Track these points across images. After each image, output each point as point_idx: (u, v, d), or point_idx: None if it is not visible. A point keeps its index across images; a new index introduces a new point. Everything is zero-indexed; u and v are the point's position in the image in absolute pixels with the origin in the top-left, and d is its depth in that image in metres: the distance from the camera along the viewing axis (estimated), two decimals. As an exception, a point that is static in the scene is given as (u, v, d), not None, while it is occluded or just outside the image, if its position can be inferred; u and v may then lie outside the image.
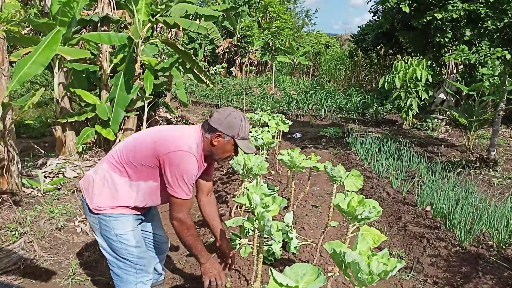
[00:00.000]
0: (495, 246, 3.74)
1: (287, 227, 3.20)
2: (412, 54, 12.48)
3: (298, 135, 9.82)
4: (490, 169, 6.41)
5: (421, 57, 10.90)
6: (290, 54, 19.77)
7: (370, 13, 15.85)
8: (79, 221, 4.10)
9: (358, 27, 18.93)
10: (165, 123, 9.07)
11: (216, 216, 2.63)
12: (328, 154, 7.84)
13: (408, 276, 3.47)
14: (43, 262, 3.31)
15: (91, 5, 6.98)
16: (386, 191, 5.42)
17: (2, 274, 3.07)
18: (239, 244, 3.43)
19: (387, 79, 10.08)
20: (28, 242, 3.45)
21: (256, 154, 4.78)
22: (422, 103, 10.18)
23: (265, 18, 21.01)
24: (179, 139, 2.17)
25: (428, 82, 9.82)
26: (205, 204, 2.62)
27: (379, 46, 16.78)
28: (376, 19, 15.82)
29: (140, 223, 2.45)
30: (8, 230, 3.58)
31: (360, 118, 12.17)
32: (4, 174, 4.15)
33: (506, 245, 3.70)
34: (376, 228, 4.28)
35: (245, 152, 2.25)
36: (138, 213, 2.34)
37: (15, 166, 4.26)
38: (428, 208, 4.66)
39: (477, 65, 9.06)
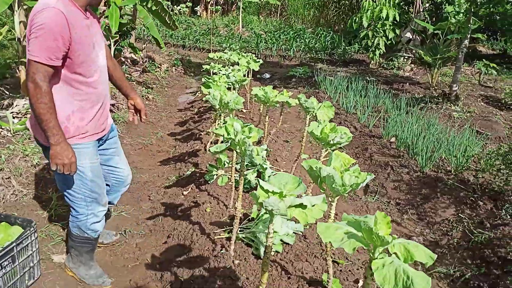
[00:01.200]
0: (452, 170, 4.05)
1: (265, 151, 3.38)
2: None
3: (268, 76, 9.85)
4: (452, 104, 6.74)
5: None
6: (257, -8, 19.21)
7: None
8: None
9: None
10: (130, 64, 8.86)
11: (124, 78, 2.52)
12: (297, 93, 7.95)
13: (373, 199, 3.76)
14: (23, 197, 3.36)
15: None
16: (354, 126, 5.66)
17: (-17, 209, 3.11)
18: (216, 174, 3.58)
19: (355, 19, 10.10)
20: (6, 178, 3.47)
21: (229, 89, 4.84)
22: (389, 42, 10.31)
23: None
24: (35, 7, 1.89)
25: (395, 21, 9.90)
26: (111, 69, 2.41)
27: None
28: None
29: (108, 152, 2.42)
30: (-17, 168, 3.57)
31: (328, 58, 12.24)
32: (-28, 113, 4.05)
33: (463, 169, 4.02)
34: (344, 159, 4.55)
35: None
36: (96, 135, 2.21)
37: (-18, 105, 4.16)
38: (393, 139, 4.93)
39: (444, 2, 9.17)
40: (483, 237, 3.02)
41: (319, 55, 12.48)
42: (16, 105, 5.34)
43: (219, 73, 5.43)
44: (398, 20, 9.88)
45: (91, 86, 2.11)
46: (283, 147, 4.90)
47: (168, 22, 8.09)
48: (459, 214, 3.42)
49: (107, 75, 2.31)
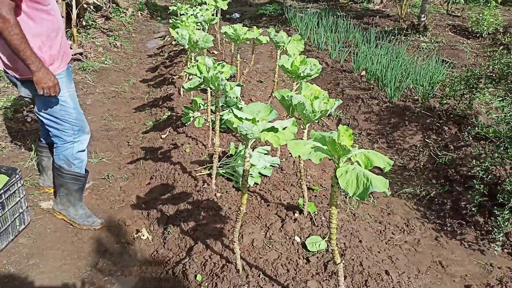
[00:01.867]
0: (420, 99, 4.22)
1: (235, 99, 3.44)
2: None
3: (237, 15, 9.65)
4: (420, 35, 6.83)
5: None
6: None
7: None
8: (28, 111, 4.08)
9: None
10: (93, 11, 8.52)
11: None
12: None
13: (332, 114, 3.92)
14: (1, 150, 3.38)
15: None
16: (325, 62, 5.72)
17: (-37, 163, 3.13)
18: (193, 117, 3.64)
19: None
20: (-19, 133, 3.46)
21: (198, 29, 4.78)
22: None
23: None
24: None
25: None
26: None
27: None
28: None
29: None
30: (-44, 124, 3.54)
31: (298, -6, 12.00)
32: None
33: (430, 97, 4.19)
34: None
35: None
36: (65, 61, 2.31)
37: None
38: (363, 73, 5.04)
39: None
40: (447, 158, 3.24)
41: (289, -9, 12.20)
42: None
43: (187, 13, 5.32)
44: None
45: (50, 13, 2.17)
46: (257, 87, 4.96)
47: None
48: (426, 140, 3.62)
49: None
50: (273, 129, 1.49)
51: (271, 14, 9.36)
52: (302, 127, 2.01)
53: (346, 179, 1.15)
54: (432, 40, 6.65)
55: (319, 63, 5.60)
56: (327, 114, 1.88)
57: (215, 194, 2.56)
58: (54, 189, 2.80)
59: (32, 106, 4.16)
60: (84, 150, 2.49)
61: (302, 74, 2.56)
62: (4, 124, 3.75)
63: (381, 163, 1.20)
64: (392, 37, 6.56)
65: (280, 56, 3.09)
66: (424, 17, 7.02)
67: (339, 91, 4.76)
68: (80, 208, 2.58)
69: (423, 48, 6.27)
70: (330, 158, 1.27)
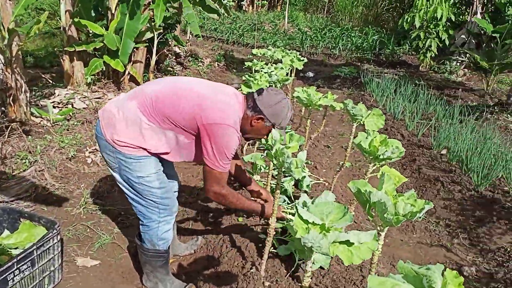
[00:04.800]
0: (511, 191, 3.66)
1: (303, 152, 3.14)
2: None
3: (311, 74, 9.55)
4: (509, 115, 6.22)
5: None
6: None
7: None
8: (90, 152, 4.06)
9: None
10: (174, 57, 8.83)
11: (245, 173, 2.62)
12: (342, 95, 7.64)
13: (420, 218, 3.44)
14: (54, 191, 3.30)
15: None
16: (401, 133, 5.30)
17: (14, 200, 3.07)
18: (251, 180, 3.38)
19: (407, 18, 9.59)
20: (39, 171, 3.42)
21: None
22: (441, 44, 9.74)
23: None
24: (224, 111, 2.03)
25: (450, 22, 9.32)
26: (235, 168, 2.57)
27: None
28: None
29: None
30: (18, 159, 3.55)
31: (375, 58, 11.78)
32: (12, 103, 4.07)
33: (524, 191, 3.63)
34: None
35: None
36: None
37: (23, 95, 4.17)
38: (444, 151, 4.56)
39: (507, 5, 8.51)
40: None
41: (366, 54, 12.03)
42: (57, 95, 5.37)
43: (261, 71, 5.23)
44: (453, 21, 9.29)
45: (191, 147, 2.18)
46: (324, 153, 4.64)
47: (218, 7, 7.87)
48: (518, 242, 3.05)
49: None
50: (347, 242, 1.16)
51: (346, 76, 9.15)
52: (379, 228, 1.64)
53: None
54: (524, 122, 6.01)
55: (395, 134, 5.22)
56: (413, 219, 1.51)
57: (263, 283, 2.21)
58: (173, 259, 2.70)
59: (94, 147, 4.16)
60: (169, 230, 2.27)
61: (381, 157, 2.21)
62: (63, 163, 3.72)
63: None
64: (478, 113, 6.02)
65: (355, 131, 2.78)
66: (515, 96, 6.43)
67: (415, 169, 4.30)
68: (169, 283, 2.36)
69: (511, 130, 5.66)
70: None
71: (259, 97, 2.11)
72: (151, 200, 2.15)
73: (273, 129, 2.07)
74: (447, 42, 9.54)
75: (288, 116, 2.15)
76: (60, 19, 5.73)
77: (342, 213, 1.29)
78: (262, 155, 2.06)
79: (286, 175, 3.44)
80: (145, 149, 2.05)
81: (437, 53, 9.71)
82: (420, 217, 3.45)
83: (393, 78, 7.96)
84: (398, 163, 4.53)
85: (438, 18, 9.15)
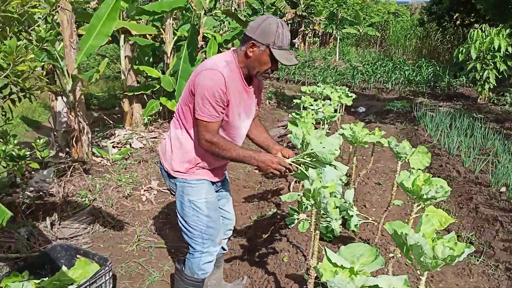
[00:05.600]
0: None
1: (346, 204, 3.10)
2: (491, 22, 11.44)
3: (363, 109, 9.47)
4: None
5: (500, 25, 9.95)
6: (356, 25, 18.98)
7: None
8: (145, 190, 4.27)
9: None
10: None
11: (268, 139, 2.42)
12: (394, 129, 7.49)
13: (478, 260, 3.25)
14: (110, 228, 3.49)
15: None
16: (457, 170, 5.08)
17: (73, 238, 3.28)
18: (297, 219, 3.38)
19: (462, 50, 9.34)
20: (97, 209, 3.65)
21: (316, 128, 4.65)
22: (500, 75, 9.33)
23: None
24: (206, 62, 2.09)
25: (508, 53, 8.96)
26: (252, 128, 2.40)
27: (454, 15, 15.58)
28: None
29: (217, 194, 2.41)
30: (79, 197, 3.81)
31: (430, 91, 11.47)
32: (75, 144, 4.39)
33: None
34: (444, 208, 4.05)
35: (282, 64, 2.01)
36: (214, 178, 2.30)
37: (85, 136, 4.50)
38: (503, 189, 4.31)
39: None
40: None
41: (420, 88, 11.75)
42: (117, 135, 5.73)
43: (309, 108, 5.29)
44: (510, 52, 8.92)
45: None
46: (374, 190, 4.54)
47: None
48: None
49: (242, 140, 2.35)
50: (376, 288, 1.15)
51: (399, 111, 8.98)
52: (418, 272, 1.60)
53: None
54: None
55: (450, 171, 5.02)
56: (453, 263, 1.47)
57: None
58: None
59: (149, 186, 4.37)
60: (211, 261, 2.33)
61: (425, 196, 2.17)
62: (120, 201, 3.94)
63: None
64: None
65: (400, 169, 2.73)
66: None
67: (472, 208, 4.08)
68: None
69: None
70: None
71: (247, 27, 2.07)
72: (197, 228, 2.22)
73: (273, 51, 1.99)
74: (505, 74, 9.14)
75: (281, 33, 1.98)
76: (120, 64, 6.20)
77: (374, 256, 1.29)
78: (299, 194, 2.08)
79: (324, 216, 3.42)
80: (195, 166, 2.18)
81: (495, 85, 9.31)
82: (463, 260, 3.26)
83: (448, 112, 7.71)
84: (454, 202, 4.33)
85: (495, 49, 8.83)
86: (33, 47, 2.47)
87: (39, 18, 2.80)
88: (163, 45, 6.56)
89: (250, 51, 2.03)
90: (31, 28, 2.95)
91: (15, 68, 2.26)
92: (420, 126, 7.35)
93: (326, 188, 1.98)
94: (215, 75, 1.97)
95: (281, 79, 13.48)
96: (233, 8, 9.26)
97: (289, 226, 3.39)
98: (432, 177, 2.27)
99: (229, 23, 7.95)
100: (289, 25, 21.17)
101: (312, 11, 20.00)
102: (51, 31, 2.70)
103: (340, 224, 3.29)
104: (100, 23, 4.26)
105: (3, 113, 2.94)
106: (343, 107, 6.97)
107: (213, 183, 2.33)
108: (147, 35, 6.36)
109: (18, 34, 2.93)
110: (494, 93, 9.74)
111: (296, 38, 21.15)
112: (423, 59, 15.12)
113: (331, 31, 19.98)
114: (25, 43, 2.31)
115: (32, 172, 4.02)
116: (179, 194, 2.23)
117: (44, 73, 3.41)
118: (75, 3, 3.57)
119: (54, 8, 2.59)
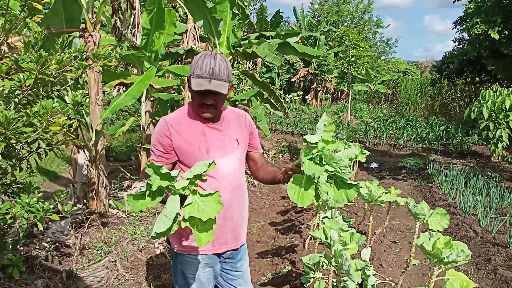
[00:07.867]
0: None
1: (362, 263, 3.08)
2: (502, 82, 11.67)
3: (375, 165, 9.51)
4: None
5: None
6: (367, 82, 19.45)
7: (454, 42, 15.23)
8: (159, 243, 4.27)
9: (443, 55, 18.11)
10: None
11: (271, 166, 2.18)
12: (408, 186, 7.47)
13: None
14: (124, 282, 3.48)
15: (177, 40, 7.46)
16: (473, 230, 5.01)
17: (88, 291, 3.28)
18: (313, 277, 3.34)
19: (473, 109, 9.48)
20: (112, 261, 3.66)
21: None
22: (513, 134, 9.41)
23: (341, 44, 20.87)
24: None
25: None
26: (258, 168, 2.20)
27: (465, 74, 15.94)
28: (460, 47, 15.15)
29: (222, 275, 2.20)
30: (95, 249, 3.83)
31: (442, 149, 11.51)
32: (95, 196, 4.47)
33: None
34: (461, 269, 3.97)
35: (196, 91, 1.85)
36: (204, 252, 2.04)
37: (103, 189, 4.59)
38: (523, 251, 4.23)
39: None
40: None
41: (433, 145, 11.82)
42: (134, 187, 5.81)
43: (323, 165, 5.34)
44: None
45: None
46: (390, 249, 4.48)
47: (280, 109, 8.44)
48: None
49: (235, 183, 2.06)
50: None
51: (412, 168, 8.99)
52: None
53: None
54: None
55: (466, 231, 4.96)
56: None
57: None
58: None
59: (164, 239, 4.37)
60: None
61: (445, 260, 2.16)
62: (134, 254, 3.94)
63: None
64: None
65: (419, 231, 2.73)
66: None
67: (491, 269, 3.99)
68: None
69: None
70: None
71: None
72: None
73: (192, 80, 1.84)
74: (519, 132, 9.21)
75: (201, 61, 1.83)
76: (140, 117, 6.40)
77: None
78: (320, 256, 2.09)
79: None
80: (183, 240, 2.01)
81: (509, 143, 9.34)
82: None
83: (462, 170, 7.70)
84: (472, 263, 4.24)
85: (507, 109, 8.96)
86: (67, 109, 2.61)
87: (70, 79, 2.96)
88: (182, 100, 6.80)
89: (188, 85, 1.94)
90: (62, 88, 3.13)
91: (48, 129, 2.37)
92: (434, 184, 7.32)
93: (347, 250, 2.00)
94: (160, 122, 1.98)
95: (295, 134, 13.68)
96: (247, 66, 9.66)
97: (305, 285, 3.34)
98: (448, 235, 2.27)
99: (247, 80, 8.25)
100: (302, 82, 21.78)
101: (324, 70, 20.61)
102: (86, 96, 2.85)
103: (357, 284, 3.24)
104: (132, 86, 4.50)
105: (28, 166, 3.05)
106: (357, 163, 7.02)
107: (218, 256, 2.10)
108: (169, 90, 6.61)
109: (50, 93, 3.11)
110: (508, 151, 9.75)
111: (309, 95, 21.68)
112: (434, 116, 15.29)
113: (342, 88, 20.45)
114: (60, 106, 2.44)
115: (49, 223, 4.08)
116: (172, 261, 2.14)
117: (72, 129, 3.55)
118: (105, 66, 3.78)
119: (85, 70, 2.75)
